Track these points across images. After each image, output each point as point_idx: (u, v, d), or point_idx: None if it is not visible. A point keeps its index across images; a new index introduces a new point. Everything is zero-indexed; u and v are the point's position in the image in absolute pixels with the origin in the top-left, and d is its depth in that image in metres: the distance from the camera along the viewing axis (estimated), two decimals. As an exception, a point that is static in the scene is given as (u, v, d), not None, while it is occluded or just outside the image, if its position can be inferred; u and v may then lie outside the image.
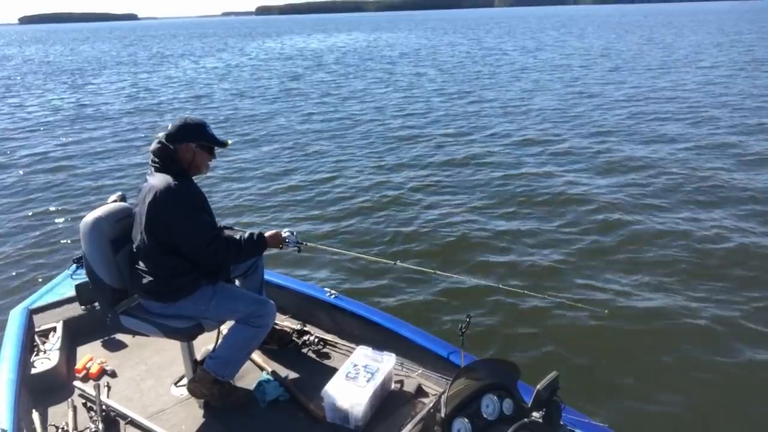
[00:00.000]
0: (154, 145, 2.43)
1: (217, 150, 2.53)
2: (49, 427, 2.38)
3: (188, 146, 2.40)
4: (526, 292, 2.81)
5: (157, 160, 2.42)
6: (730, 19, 63.76)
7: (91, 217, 2.42)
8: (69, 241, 5.93)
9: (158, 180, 2.34)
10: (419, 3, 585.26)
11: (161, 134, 2.43)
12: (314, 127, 11.72)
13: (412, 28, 75.13)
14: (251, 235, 2.49)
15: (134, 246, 2.42)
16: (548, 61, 24.13)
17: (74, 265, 3.58)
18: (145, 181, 2.46)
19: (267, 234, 2.55)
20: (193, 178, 2.49)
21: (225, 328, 2.62)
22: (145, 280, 2.38)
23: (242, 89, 18.25)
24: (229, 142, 2.54)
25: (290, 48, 39.92)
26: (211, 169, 2.57)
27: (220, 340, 2.57)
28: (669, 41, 33.11)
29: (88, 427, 2.36)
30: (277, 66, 26.12)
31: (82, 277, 2.99)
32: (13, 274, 5.33)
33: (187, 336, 2.48)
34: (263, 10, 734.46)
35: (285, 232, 2.63)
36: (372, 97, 15.47)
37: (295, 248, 2.67)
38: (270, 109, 14.38)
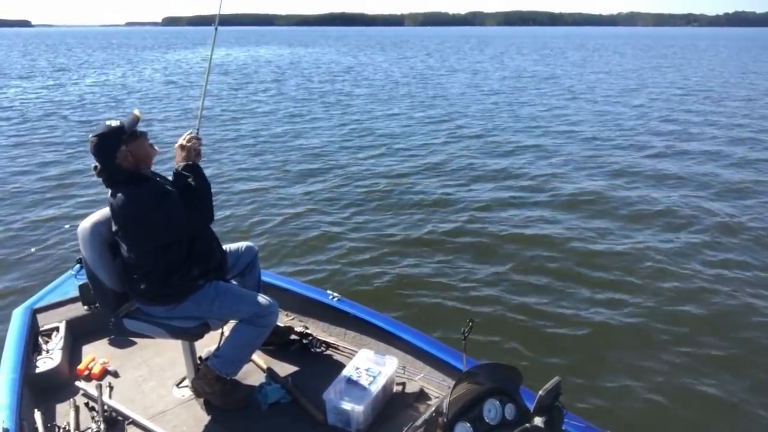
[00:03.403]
0: (95, 170, 2.34)
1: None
2: (50, 427, 2.38)
3: (122, 152, 2.29)
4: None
5: (105, 179, 2.35)
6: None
7: (88, 222, 2.40)
8: (72, 242, 5.94)
9: (116, 197, 2.30)
10: (331, 19, 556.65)
11: (94, 162, 2.32)
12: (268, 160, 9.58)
13: (331, 44, 69.89)
14: (181, 172, 2.42)
15: (124, 259, 2.40)
16: (491, 82, 22.68)
17: (78, 265, 3.58)
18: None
19: (181, 164, 2.45)
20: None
21: (227, 329, 2.62)
22: (142, 287, 2.39)
23: (166, 111, 14.97)
24: (137, 111, 2.40)
25: (216, 62, 34.11)
26: (155, 145, 2.45)
27: (223, 340, 2.58)
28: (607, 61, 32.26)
29: (89, 427, 2.36)
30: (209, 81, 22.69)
31: (85, 277, 2.99)
32: (17, 273, 5.34)
33: (194, 335, 2.48)
34: (170, 21, 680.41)
35: (183, 141, 2.45)
36: (328, 121, 13.37)
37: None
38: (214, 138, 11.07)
